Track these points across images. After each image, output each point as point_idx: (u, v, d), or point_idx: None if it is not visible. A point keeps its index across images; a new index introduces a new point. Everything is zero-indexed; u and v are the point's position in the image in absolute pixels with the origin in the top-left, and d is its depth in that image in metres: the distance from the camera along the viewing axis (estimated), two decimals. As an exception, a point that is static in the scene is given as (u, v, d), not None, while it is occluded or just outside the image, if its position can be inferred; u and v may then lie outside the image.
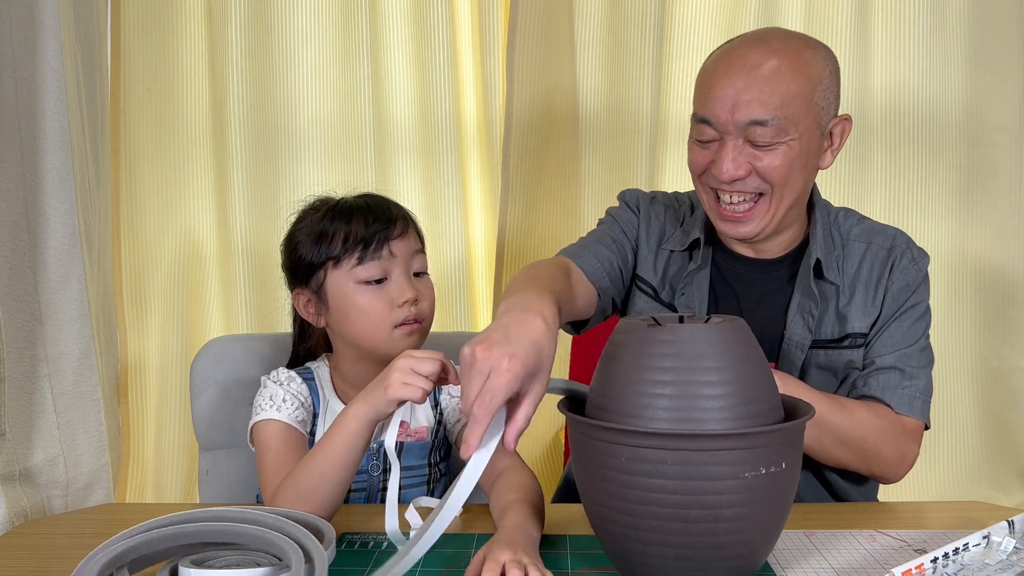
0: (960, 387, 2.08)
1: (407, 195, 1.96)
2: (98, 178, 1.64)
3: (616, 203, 1.46)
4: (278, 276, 1.29)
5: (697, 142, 1.25)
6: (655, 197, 1.44)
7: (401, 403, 1.02)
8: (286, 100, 1.96)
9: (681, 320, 0.96)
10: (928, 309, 1.31)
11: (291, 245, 1.24)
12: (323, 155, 1.99)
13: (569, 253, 1.35)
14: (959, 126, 2.02)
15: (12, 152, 1.32)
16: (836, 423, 1.19)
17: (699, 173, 1.26)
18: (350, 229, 1.18)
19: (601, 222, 1.44)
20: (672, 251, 1.37)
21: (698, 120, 1.23)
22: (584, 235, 1.43)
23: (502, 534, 0.96)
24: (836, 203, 1.38)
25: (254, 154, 1.96)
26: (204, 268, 2.01)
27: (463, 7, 1.98)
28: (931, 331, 1.31)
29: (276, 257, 1.29)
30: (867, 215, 1.38)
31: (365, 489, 1.24)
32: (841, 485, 1.33)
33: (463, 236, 2.02)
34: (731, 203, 1.23)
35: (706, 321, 0.92)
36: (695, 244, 1.34)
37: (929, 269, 1.31)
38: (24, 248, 1.34)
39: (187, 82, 1.96)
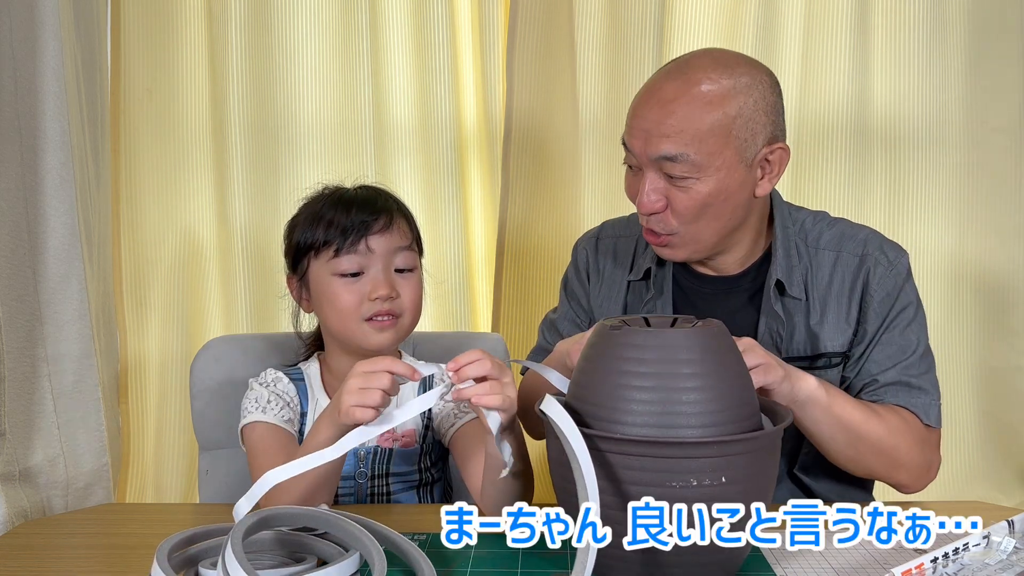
0: (960, 387, 2.08)
1: (407, 195, 1.96)
2: (98, 178, 1.64)
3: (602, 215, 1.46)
4: (278, 277, 1.30)
5: (629, 168, 1.24)
6: (602, 235, 1.43)
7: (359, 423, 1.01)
8: (286, 100, 1.96)
9: (674, 323, 0.95)
10: (919, 307, 1.28)
11: (288, 230, 1.25)
12: (323, 155, 1.99)
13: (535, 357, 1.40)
14: (959, 127, 2.02)
15: (12, 152, 1.32)
16: (875, 432, 1.17)
17: (633, 200, 1.24)
18: (333, 218, 1.18)
19: (564, 283, 1.45)
20: (630, 282, 1.37)
21: (624, 146, 1.22)
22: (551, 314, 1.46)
23: None
24: (836, 207, 1.37)
25: (254, 154, 1.96)
26: (204, 268, 2.00)
27: (463, 7, 1.98)
28: (931, 332, 1.30)
29: (276, 258, 1.29)
30: (867, 217, 1.36)
31: (352, 494, 1.24)
32: (818, 490, 1.32)
33: (463, 236, 2.02)
34: (649, 227, 1.22)
35: (684, 325, 0.92)
36: (648, 273, 1.33)
37: (929, 270, 1.30)
38: (24, 248, 1.34)
39: (187, 82, 1.96)
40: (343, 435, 1.01)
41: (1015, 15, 1.98)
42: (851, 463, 1.20)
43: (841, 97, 1.99)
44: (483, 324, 2.07)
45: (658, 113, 1.15)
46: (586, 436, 0.86)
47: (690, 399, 0.86)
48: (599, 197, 2.02)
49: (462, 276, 2.03)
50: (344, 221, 1.18)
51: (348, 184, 1.27)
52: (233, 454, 1.43)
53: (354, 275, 1.18)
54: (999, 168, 2.02)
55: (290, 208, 1.28)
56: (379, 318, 1.18)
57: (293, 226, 1.24)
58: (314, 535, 0.99)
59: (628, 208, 1.51)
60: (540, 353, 1.42)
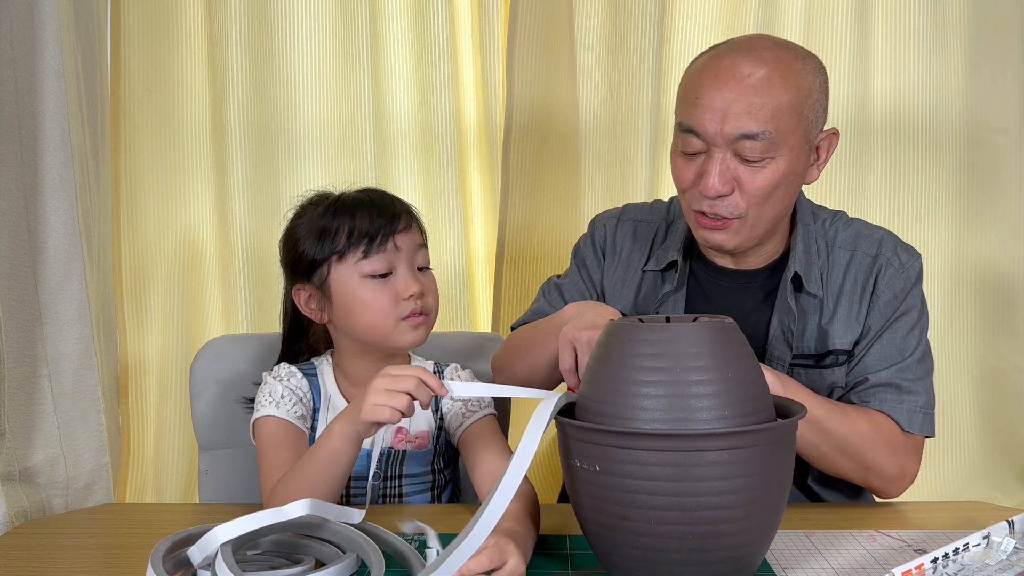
0: (960, 387, 2.08)
1: (407, 195, 1.94)
2: (98, 178, 1.64)
3: (604, 210, 1.46)
4: (278, 276, 1.29)
5: (682, 154, 1.20)
6: (623, 217, 1.41)
7: (379, 424, 1.01)
8: (286, 100, 1.96)
9: (667, 320, 0.95)
10: (923, 312, 1.27)
11: (291, 241, 1.22)
12: (323, 155, 1.99)
13: (533, 316, 1.39)
14: (959, 127, 2.02)
15: (12, 152, 1.32)
16: (836, 431, 1.16)
17: (684, 189, 1.22)
18: (354, 224, 1.17)
19: (576, 251, 1.44)
20: (645, 271, 1.35)
21: (684, 130, 1.18)
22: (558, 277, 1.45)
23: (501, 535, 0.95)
24: (835, 206, 1.37)
25: (254, 154, 1.96)
26: (204, 268, 2.00)
27: (463, 7, 1.98)
28: (931, 331, 1.29)
29: (276, 257, 1.28)
30: (867, 217, 1.36)
31: (364, 495, 1.24)
32: (830, 501, 1.32)
33: (463, 236, 2.02)
34: (712, 211, 1.19)
35: (694, 321, 0.91)
36: (672, 265, 1.32)
37: (929, 269, 1.30)
38: (24, 248, 1.34)
39: (187, 82, 1.96)
40: (360, 433, 1.02)
41: (1015, 15, 1.98)
42: (817, 461, 1.20)
43: (841, 97, 1.99)
44: (483, 324, 2.07)
45: (734, 90, 1.13)
46: (597, 432, 0.85)
47: (701, 392, 0.85)
48: (599, 197, 2.02)
49: (462, 276, 2.03)
50: (366, 222, 1.17)
51: (339, 190, 1.25)
52: (233, 454, 1.43)
53: (384, 276, 1.17)
54: (999, 168, 2.02)
55: (290, 208, 1.27)
56: (413, 316, 1.18)
57: (295, 238, 1.21)
58: (311, 537, 0.99)
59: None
60: (537, 314, 1.40)
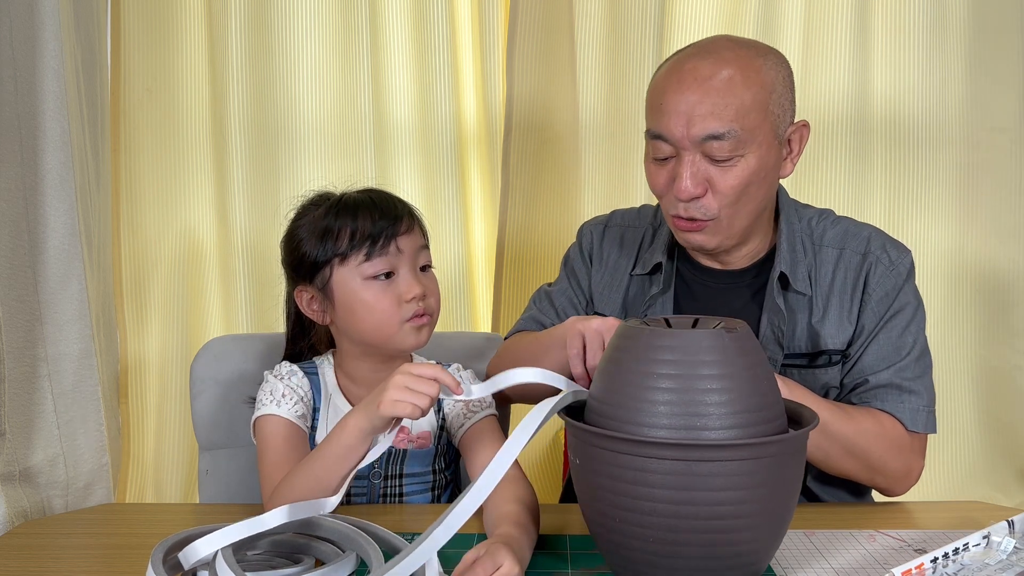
0: (960, 387, 2.08)
1: (407, 195, 1.94)
2: (98, 178, 1.64)
3: (604, 210, 1.47)
4: (278, 275, 1.29)
5: (654, 160, 1.22)
6: (610, 224, 1.43)
7: (396, 420, 1.02)
8: (286, 100, 1.96)
9: (695, 324, 0.94)
10: (918, 308, 1.27)
11: (293, 242, 1.22)
12: (323, 155, 1.99)
13: (527, 324, 1.40)
14: (959, 127, 2.02)
15: (12, 152, 1.32)
16: (842, 432, 1.16)
17: (660, 194, 1.24)
18: (356, 225, 1.17)
19: (565, 260, 1.45)
20: (633, 276, 1.36)
21: (652, 136, 1.20)
22: (548, 285, 1.46)
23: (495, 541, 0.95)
24: (836, 205, 1.37)
25: (254, 154, 1.96)
26: (204, 268, 2.01)
27: (463, 7, 1.98)
28: (931, 331, 1.29)
29: (276, 257, 1.28)
30: (866, 216, 1.36)
31: (365, 494, 1.24)
32: (830, 500, 1.32)
33: (463, 236, 2.02)
34: (687, 215, 1.21)
35: (715, 327, 0.90)
36: (657, 268, 1.33)
37: (929, 269, 1.30)
38: (24, 248, 1.34)
39: (187, 82, 1.96)
40: (376, 428, 1.03)
41: (1015, 15, 1.98)
42: (823, 464, 1.20)
43: (841, 97, 2.00)
44: (483, 324, 2.07)
45: (697, 92, 1.15)
46: (605, 437, 0.85)
47: (712, 400, 0.84)
48: (599, 197, 2.02)
49: (462, 276, 2.03)
50: (369, 224, 1.17)
51: (340, 189, 1.25)
52: (233, 454, 1.43)
53: (387, 276, 1.17)
54: (999, 168, 2.02)
55: (290, 208, 1.27)
56: (416, 317, 1.18)
57: (297, 238, 1.21)
58: (311, 536, 0.99)
59: (627, 206, 1.51)
60: (530, 322, 1.42)
